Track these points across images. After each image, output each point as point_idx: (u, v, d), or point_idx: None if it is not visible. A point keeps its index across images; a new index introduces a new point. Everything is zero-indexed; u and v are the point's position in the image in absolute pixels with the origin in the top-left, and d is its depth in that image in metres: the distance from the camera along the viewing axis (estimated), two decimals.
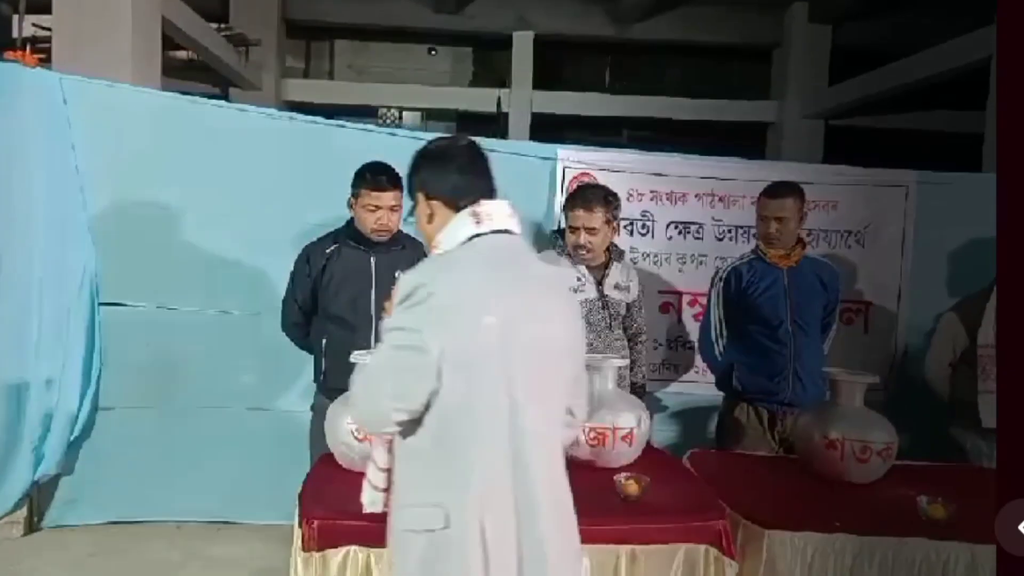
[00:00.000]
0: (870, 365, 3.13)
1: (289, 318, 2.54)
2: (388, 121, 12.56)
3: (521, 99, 10.67)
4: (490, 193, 1.36)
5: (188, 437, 2.89)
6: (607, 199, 2.47)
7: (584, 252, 2.45)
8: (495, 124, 11.16)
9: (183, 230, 2.85)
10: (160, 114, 2.84)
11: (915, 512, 1.85)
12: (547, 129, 11.29)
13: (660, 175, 3.12)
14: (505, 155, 3.04)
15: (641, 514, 1.78)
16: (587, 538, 1.68)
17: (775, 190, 2.57)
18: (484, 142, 3.14)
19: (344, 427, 1.94)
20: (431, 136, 3.04)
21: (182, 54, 9.37)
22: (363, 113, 12.16)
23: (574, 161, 3.08)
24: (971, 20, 6.75)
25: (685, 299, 3.15)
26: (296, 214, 2.79)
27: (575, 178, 3.03)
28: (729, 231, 3.11)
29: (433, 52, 12.46)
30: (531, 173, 3.10)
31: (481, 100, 11.20)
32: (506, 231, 1.33)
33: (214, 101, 3.01)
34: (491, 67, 11.61)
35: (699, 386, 3.01)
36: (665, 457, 2.29)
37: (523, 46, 10.65)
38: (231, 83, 10.07)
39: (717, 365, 2.72)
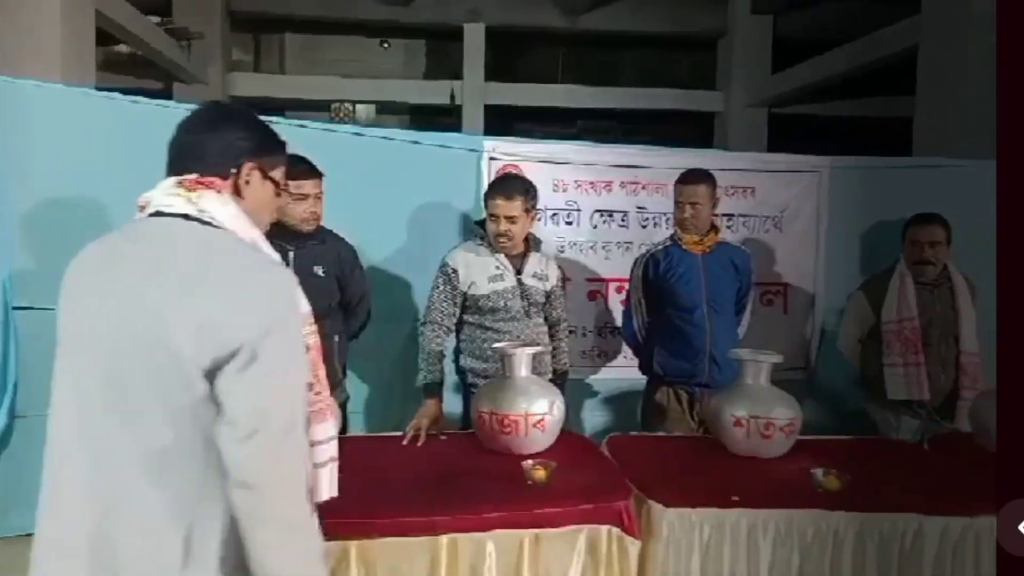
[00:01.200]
0: (790, 345, 3.27)
1: None
2: (341, 115, 12.43)
3: (474, 91, 10.67)
4: None
5: None
6: (526, 189, 2.50)
7: (504, 240, 2.48)
8: (449, 116, 11.14)
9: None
10: (93, 113, 2.71)
11: (811, 485, 1.93)
12: (501, 120, 11.31)
13: (585, 165, 3.16)
14: (431, 147, 3.06)
15: (546, 498, 1.82)
16: (491, 524, 1.73)
17: (688, 176, 2.64)
18: (406, 134, 3.18)
19: None
20: (385, 131, 3.06)
21: (123, 49, 9.15)
22: (316, 107, 12.02)
23: (500, 152, 3.10)
24: (899, 9, 6.97)
25: (612, 286, 3.20)
26: None
27: (501, 169, 3.06)
28: (653, 218, 3.17)
29: (386, 45, 12.35)
30: (458, 164, 3.12)
31: (434, 92, 11.16)
32: None
33: (157, 101, 2.89)
34: (444, 59, 11.56)
35: (628, 371, 3.05)
36: (582, 442, 2.34)
37: (474, 38, 10.63)
38: (176, 78, 9.86)
39: (639, 350, 2.79)
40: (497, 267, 2.50)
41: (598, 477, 1.98)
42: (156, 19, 9.79)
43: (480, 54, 10.65)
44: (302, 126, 2.96)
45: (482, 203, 2.64)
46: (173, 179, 1.16)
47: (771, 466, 2.12)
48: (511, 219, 2.44)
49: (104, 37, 7.71)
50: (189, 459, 1.03)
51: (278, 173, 1.28)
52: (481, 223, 2.61)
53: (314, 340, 1.30)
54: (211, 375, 1.02)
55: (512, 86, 10.95)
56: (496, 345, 2.33)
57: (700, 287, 2.63)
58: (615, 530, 1.78)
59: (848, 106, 9.86)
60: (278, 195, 1.30)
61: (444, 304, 2.49)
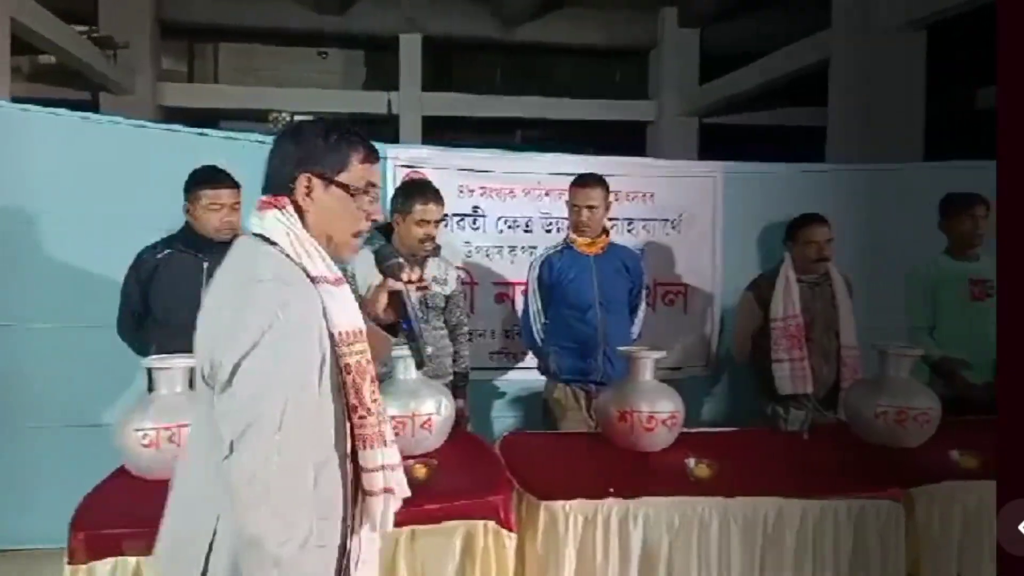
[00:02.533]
0: (691, 343, 3.39)
1: (123, 324, 2.50)
2: (280, 125, 12.27)
3: (411, 101, 10.68)
4: None
5: (23, 458, 2.75)
6: (439, 195, 2.55)
7: (430, 244, 2.53)
8: (387, 126, 11.11)
9: (26, 245, 2.69)
10: (7, 127, 2.64)
11: (684, 474, 2.02)
12: (440, 130, 11.34)
13: (488, 172, 3.22)
14: None
15: (424, 496, 1.84)
16: None
17: (584, 180, 2.73)
18: None
19: (133, 434, 1.92)
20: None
21: (50, 59, 8.87)
22: (253, 117, 11.84)
23: (405, 159, 3.14)
24: (814, 23, 7.28)
25: (519, 289, 3.26)
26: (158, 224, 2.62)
27: (406, 175, 3.10)
28: (556, 223, 3.25)
29: (323, 55, 12.27)
30: None
31: (372, 102, 11.14)
32: None
33: (79, 113, 2.83)
34: (382, 69, 11.54)
35: (535, 372, 3.11)
36: (473, 442, 2.38)
37: (411, 48, 10.66)
38: (103, 88, 9.61)
39: (538, 350, 2.85)
40: None
41: (481, 475, 2.02)
42: (82, 28, 9.53)
43: (417, 64, 10.68)
44: (202, 134, 2.94)
45: (389, 208, 2.66)
46: (264, 197, 1.24)
47: (652, 458, 2.20)
48: (437, 223, 2.52)
49: (32, 46, 7.48)
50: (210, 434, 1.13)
51: (348, 176, 1.24)
52: (381, 228, 2.64)
53: (355, 360, 1.21)
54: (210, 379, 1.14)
55: (449, 96, 10.99)
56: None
57: (592, 287, 2.71)
58: (491, 524, 1.82)
59: (772, 116, 10.22)
60: (354, 198, 1.25)
61: None
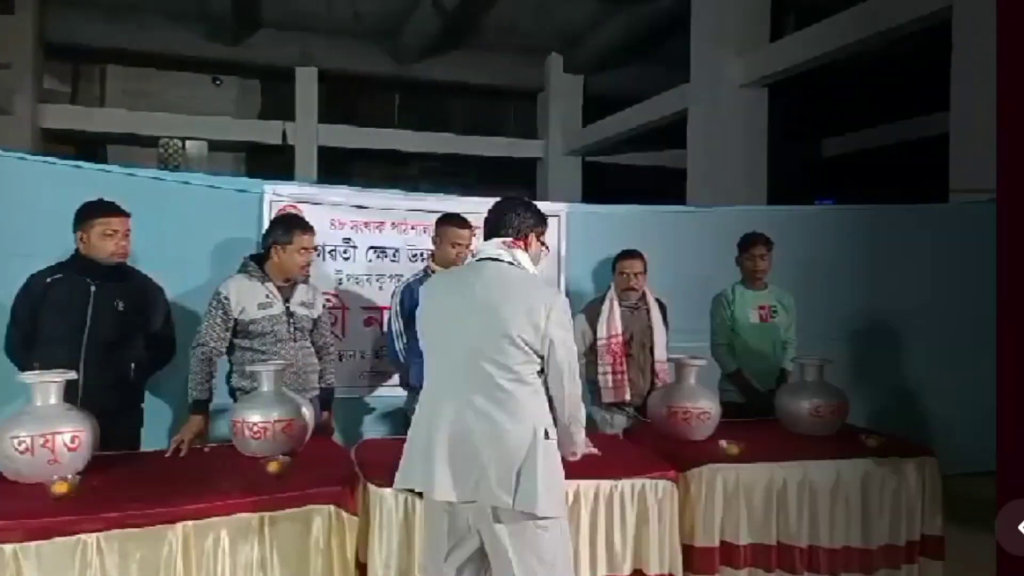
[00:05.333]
0: None
1: (11, 342, 2.68)
2: (171, 151, 12.08)
3: (307, 132, 10.86)
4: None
5: None
6: (312, 227, 2.91)
7: (309, 271, 2.88)
8: (282, 155, 11.22)
9: None
10: None
11: None
12: (338, 161, 11.55)
13: (360, 207, 3.58)
14: (207, 188, 3.35)
15: (276, 487, 2.16)
16: (223, 510, 2.04)
17: (460, 221, 3.12)
18: (178, 175, 3.48)
19: (7, 441, 2.12)
20: (155, 173, 3.30)
21: None
22: (142, 143, 11.62)
23: (279, 194, 3.44)
24: (679, 75, 8.11)
25: (387, 313, 3.61)
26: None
27: (281, 209, 3.40)
28: (421, 254, 3.64)
29: (218, 82, 12.23)
30: (243, 205, 3.42)
31: (267, 132, 11.22)
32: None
33: None
34: (279, 99, 11.66)
35: (400, 389, 3.46)
36: (330, 446, 2.71)
37: (307, 80, 10.88)
38: None
39: (400, 366, 3.21)
40: (267, 295, 2.83)
41: (331, 470, 2.34)
42: None
43: (313, 96, 10.89)
44: (77, 167, 3.15)
45: (263, 238, 2.94)
46: (498, 240, 2.02)
47: None
48: (312, 250, 2.89)
49: None
50: (518, 385, 1.89)
51: (544, 237, 2.13)
52: (254, 256, 2.94)
53: None
54: (532, 346, 1.89)
55: (345, 128, 11.25)
56: (251, 367, 2.64)
57: None
58: (335, 509, 2.15)
59: (649, 157, 11.14)
60: (546, 249, 2.17)
61: (215, 329, 2.77)
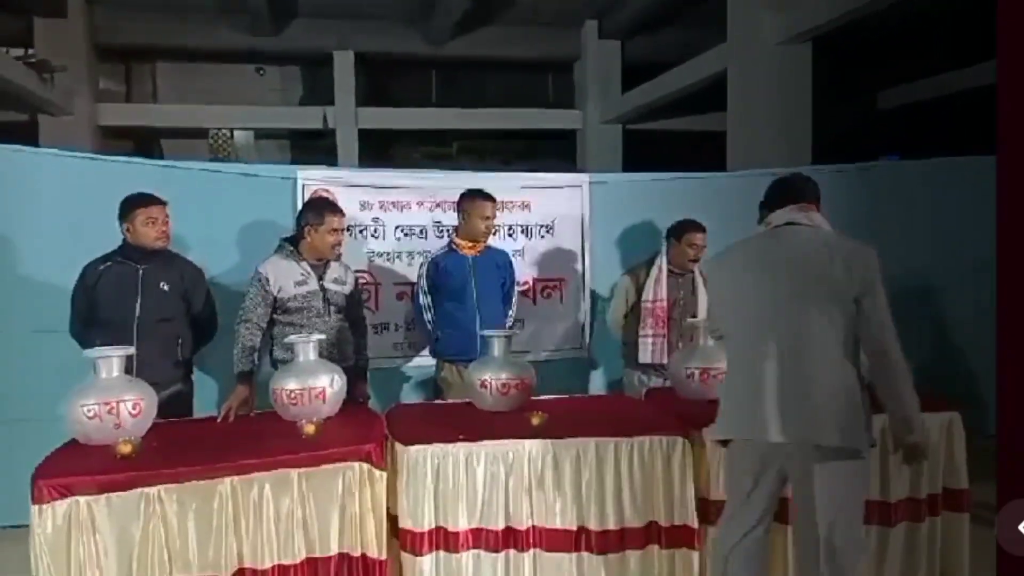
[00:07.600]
0: (568, 328, 3.97)
1: (74, 326, 2.98)
2: (220, 141, 12.54)
3: (346, 116, 11.08)
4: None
5: None
6: (342, 209, 3.10)
7: (340, 249, 3.06)
8: (325, 140, 11.51)
9: None
10: None
11: (522, 425, 2.55)
12: (379, 143, 11.78)
13: (387, 187, 3.74)
14: (244, 176, 3.56)
15: (313, 447, 2.35)
16: (265, 467, 2.25)
17: (488, 195, 3.28)
18: (214, 166, 3.71)
19: (78, 409, 2.37)
20: (188, 163, 3.56)
21: None
22: (193, 135, 12.10)
23: (312, 179, 3.63)
24: (719, 36, 7.89)
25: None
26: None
27: (313, 192, 3.59)
28: (447, 230, 3.78)
29: (261, 72, 12.56)
30: (277, 190, 3.63)
31: (309, 118, 11.50)
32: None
33: (13, 146, 3.25)
34: (319, 85, 11.92)
35: (431, 357, 3.64)
36: (362, 410, 2.91)
37: (344, 65, 11.08)
38: (41, 110, 9.80)
39: (430, 337, 3.38)
40: (302, 274, 3.03)
41: (361, 431, 2.53)
42: (18, 52, 9.71)
43: (350, 80, 11.09)
44: (129, 162, 3.42)
45: (297, 221, 3.13)
46: (792, 206, 2.18)
47: (505, 415, 2.74)
48: (343, 231, 3.07)
49: None
50: (839, 330, 2.00)
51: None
52: (289, 238, 3.13)
53: None
54: (856, 299, 1.98)
55: (384, 110, 11.42)
56: (287, 339, 2.83)
57: (471, 282, 3.26)
58: (365, 465, 2.34)
59: (690, 122, 10.95)
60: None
61: (257, 306, 2.98)
